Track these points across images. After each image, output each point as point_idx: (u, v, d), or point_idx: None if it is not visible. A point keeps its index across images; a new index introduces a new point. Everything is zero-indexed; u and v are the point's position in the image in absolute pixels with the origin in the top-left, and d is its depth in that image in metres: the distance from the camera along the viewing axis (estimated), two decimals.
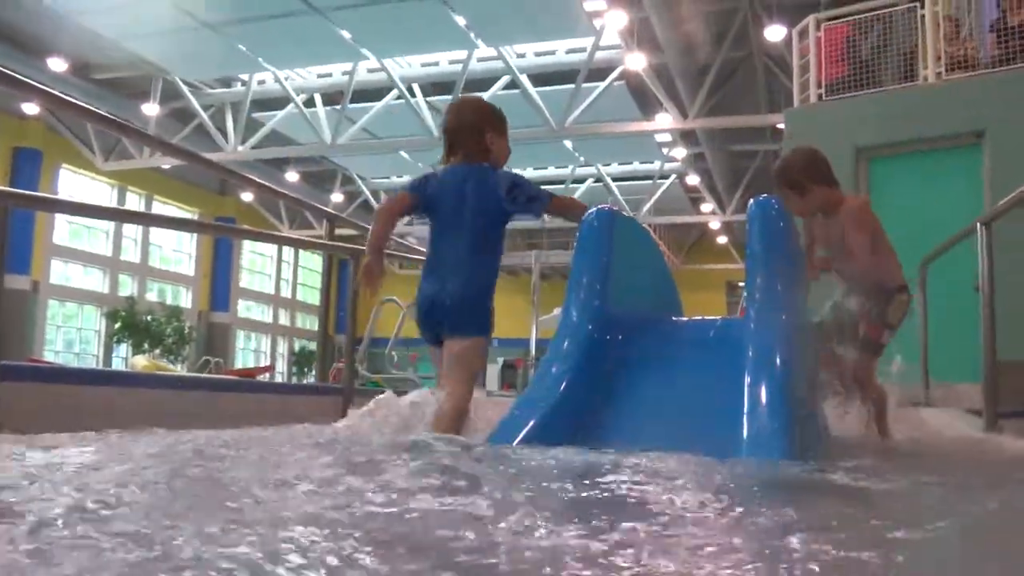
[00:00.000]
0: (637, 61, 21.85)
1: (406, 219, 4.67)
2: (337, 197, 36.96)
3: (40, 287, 31.54)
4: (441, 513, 1.83)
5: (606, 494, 2.19)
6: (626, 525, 1.71)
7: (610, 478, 2.38)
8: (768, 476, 2.71)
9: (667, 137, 28.72)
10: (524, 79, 24.23)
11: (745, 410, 3.07)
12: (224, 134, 28.10)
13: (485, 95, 24.59)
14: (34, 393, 4.40)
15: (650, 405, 3.55)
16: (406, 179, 35.79)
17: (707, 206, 35.41)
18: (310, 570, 1.31)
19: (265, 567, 1.30)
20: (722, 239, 39.77)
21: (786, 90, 18.70)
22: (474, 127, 4.33)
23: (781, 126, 13.60)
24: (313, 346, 43.46)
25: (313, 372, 40.59)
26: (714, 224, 37.24)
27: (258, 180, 7.94)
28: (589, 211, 4.01)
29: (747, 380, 3.15)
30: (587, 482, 2.38)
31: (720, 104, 24.05)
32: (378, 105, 26.52)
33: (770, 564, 1.51)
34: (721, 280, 40.64)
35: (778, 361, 3.24)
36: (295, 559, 1.34)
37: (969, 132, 9.43)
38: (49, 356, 30.66)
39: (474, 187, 4.21)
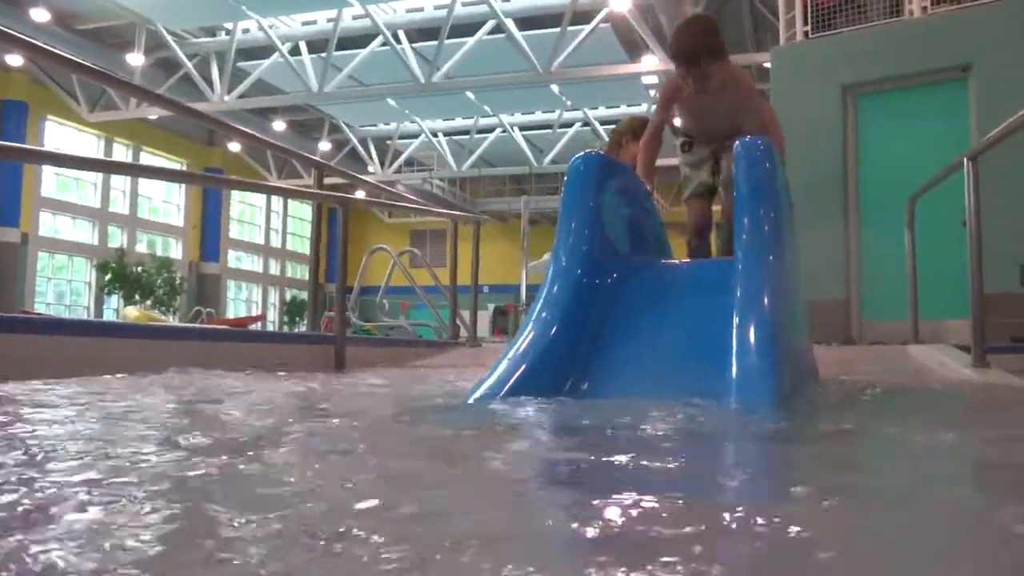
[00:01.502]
0: (622, 3, 21.69)
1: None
2: (325, 146, 36.79)
3: (29, 239, 31.49)
4: None
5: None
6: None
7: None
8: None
9: (654, 79, 28.53)
10: (509, 23, 24.05)
11: (734, 351, 3.08)
12: (210, 84, 27.89)
13: (470, 40, 24.55)
14: (25, 344, 4.39)
15: (640, 349, 3.56)
16: (393, 126, 35.81)
17: None
18: None
19: None
20: None
21: (772, 28, 18.60)
22: (620, 131, 6.05)
23: (768, 65, 13.52)
24: (304, 295, 43.51)
25: (304, 321, 40.72)
26: None
27: (245, 130, 7.88)
28: (576, 156, 4.00)
29: (735, 321, 3.16)
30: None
31: None
32: (363, 52, 26.31)
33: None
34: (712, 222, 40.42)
35: (766, 301, 3.25)
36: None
37: (955, 66, 9.38)
38: (40, 308, 30.71)
39: None
